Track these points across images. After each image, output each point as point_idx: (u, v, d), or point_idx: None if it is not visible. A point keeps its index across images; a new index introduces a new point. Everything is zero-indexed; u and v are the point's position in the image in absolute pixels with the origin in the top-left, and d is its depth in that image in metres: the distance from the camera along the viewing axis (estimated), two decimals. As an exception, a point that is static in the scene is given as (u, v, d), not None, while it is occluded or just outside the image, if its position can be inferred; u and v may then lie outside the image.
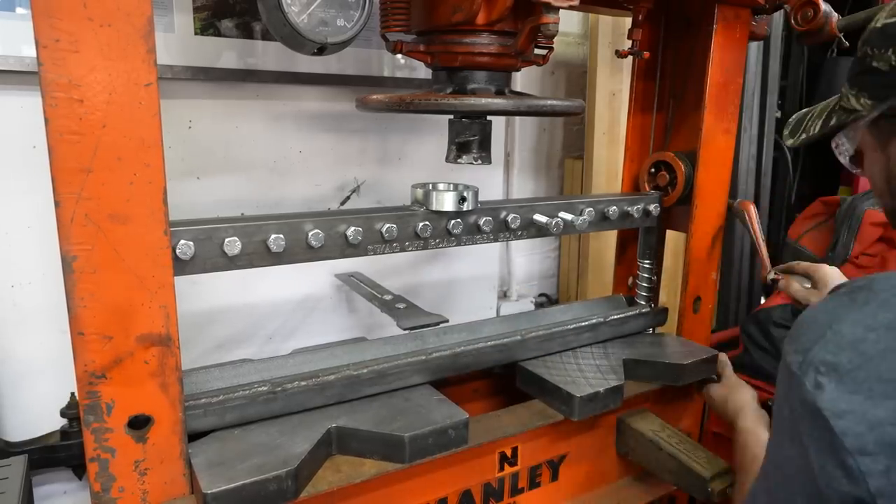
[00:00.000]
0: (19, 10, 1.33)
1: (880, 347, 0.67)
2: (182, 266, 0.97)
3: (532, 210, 1.34)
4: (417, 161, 1.91)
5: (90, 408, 0.89)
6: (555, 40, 1.30)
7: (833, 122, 0.97)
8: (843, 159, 1.03)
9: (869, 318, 0.70)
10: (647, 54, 1.50)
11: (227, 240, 1.00)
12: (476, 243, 1.29)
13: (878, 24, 0.85)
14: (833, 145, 1.05)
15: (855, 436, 0.65)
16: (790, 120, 1.11)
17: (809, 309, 0.77)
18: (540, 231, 1.35)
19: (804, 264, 1.41)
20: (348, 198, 1.82)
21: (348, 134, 1.79)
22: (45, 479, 1.54)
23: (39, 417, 1.45)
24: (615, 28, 2.13)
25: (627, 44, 1.50)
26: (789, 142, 1.08)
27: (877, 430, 0.65)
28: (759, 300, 2.67)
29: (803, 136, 1.04)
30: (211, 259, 1.00)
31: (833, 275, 1.34)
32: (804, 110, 1.09)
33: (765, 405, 1.34)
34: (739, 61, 1.53)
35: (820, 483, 0.69)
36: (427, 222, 1.20)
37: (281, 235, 1.05)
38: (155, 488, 0.96)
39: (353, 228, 1.12)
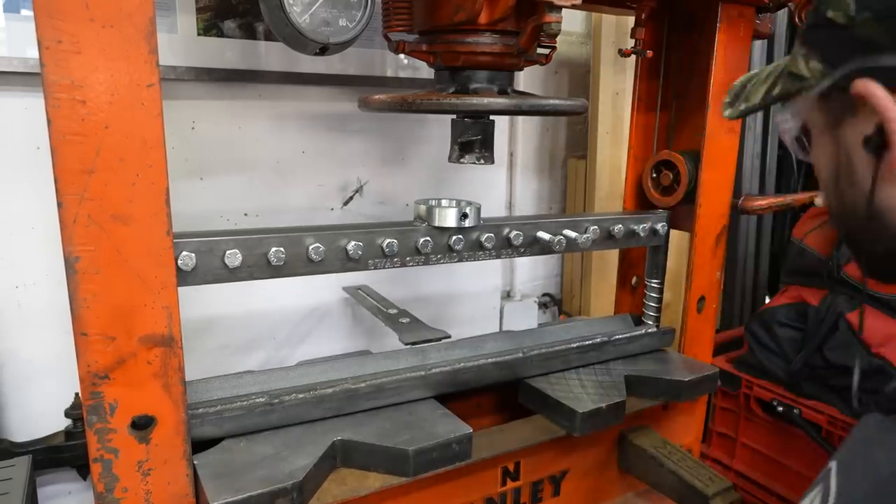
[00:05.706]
0: (24, 12, 1.33)
1: None
2: (184, 277, 0.97)
3: (535, 227, 1.32)
4: (420, 161, 1.91)
5: (93, 408, 0.90)
6: (558, 39, 1.30)
7: (776, 90, 0.76)
8: (787, 140, 0.82)
9: None
10: (650, 53, 1.50)
11: (227, 252, 1.01)
12: (478, 259, 1.28)
13: None
14: (777, 120, 0.90)
15: None
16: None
17: None
18: (543, 248, 1.33)
19: None
20: (351, 198, 1.82)
21: (351, 134, 1.79)
22: (50, 480, 1.54)
23: (44, 418, 1.46)
24: (618, 27, 2.13)
25: (631, 43, 1.49)
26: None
27: None
28: (764, 300, 2.65)
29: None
30: (212, 271, 1.01)
31: None
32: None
33: (768, 404, 1.33)
34: (743, 60, 1.52)
35: None
36: (428, 238, 1.20)
37: (281, 249, 1.05)
38: (158, 489, 0.97)
39: (353, 243, 1.12)
